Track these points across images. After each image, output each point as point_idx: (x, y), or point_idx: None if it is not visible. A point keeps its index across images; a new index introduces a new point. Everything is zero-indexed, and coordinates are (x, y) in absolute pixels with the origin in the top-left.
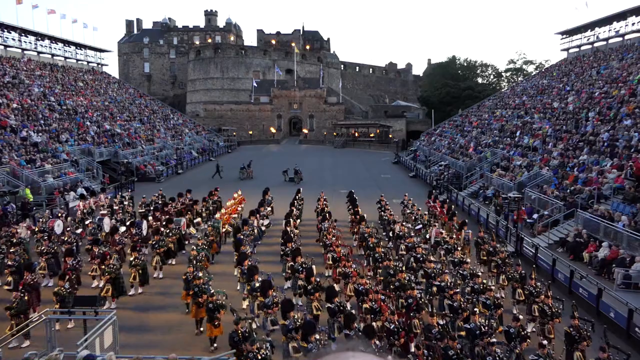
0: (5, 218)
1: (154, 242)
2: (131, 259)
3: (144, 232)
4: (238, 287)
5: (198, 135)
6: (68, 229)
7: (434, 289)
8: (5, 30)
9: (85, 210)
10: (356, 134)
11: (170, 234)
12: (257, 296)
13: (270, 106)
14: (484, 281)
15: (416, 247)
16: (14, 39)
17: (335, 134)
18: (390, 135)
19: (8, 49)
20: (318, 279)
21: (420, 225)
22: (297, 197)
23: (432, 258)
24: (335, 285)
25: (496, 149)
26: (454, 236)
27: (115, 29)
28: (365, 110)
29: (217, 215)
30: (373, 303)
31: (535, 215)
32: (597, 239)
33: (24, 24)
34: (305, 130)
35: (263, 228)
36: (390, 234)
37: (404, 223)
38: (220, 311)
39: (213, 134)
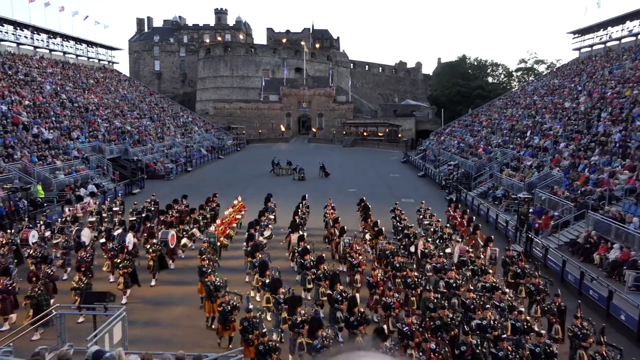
0: (17, 214)
1: (118, 262)
2: (76, 279)
3: (130, 246)
4: (269, 318)
5: (207, 133)
6: (34, 241)
7: (473, 325)
8: (18, 28)
9: (68, 219)
10: (365, 133)
11: (151, 251)
12: (300, 333)
13: (280, 105)
14: (527, 318)
15: (447, 270)
16: (26, 37)
17: (344, 132)
18: (399, 135)
19: (20, 46)
20: (362, 309)
21: (440, 240)
22: (301, 204)
23: (471, 287)
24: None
25: (506, 149)
26: (481, 255)
27: (126, 27)
28: (374, 109)
29: (212, 228)
30: (421, 354)
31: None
32: (608, 240)
33: (36, 21)
34: (314, 129)
35: (264, 241)
36: (412, 249)
37: (428, 239)
38: (273, 355)
39: (222, 132)
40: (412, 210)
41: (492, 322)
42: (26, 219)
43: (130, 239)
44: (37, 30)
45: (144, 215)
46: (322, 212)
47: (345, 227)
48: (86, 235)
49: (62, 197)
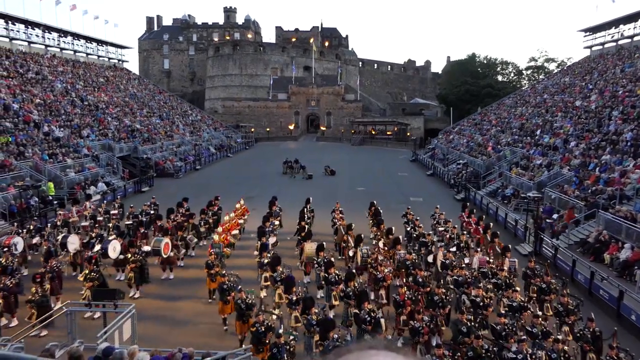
0: (28, 212)
1: (86, 274)
2: (33, 290)
3: (112, 255)
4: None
5: (216, 132)
6: (6, 249)
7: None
8: (29, 27)
9: (58, 223)
10: (373, 132)
11: (130, 261)
12: None
13: (288, 103)
14: (565, 348)
15: (472, 286)
16: (37, 36)
17: (352, 131)
18: (408, 133)
19: (32, 45)
20: (389, 336)
21: (455, 248)
22: (306, 208)
23: (502, 310)
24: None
25: (516, 147)
26: (505, 268)
27: (136, 26)
28: (383, 107)
29: (216, 238)
30: None
31: (555, 216)
32: (618, 240)
33: (47, 20)
34: (322, 127)
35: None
36: (429, 259)
37: (450, 248)
38: None
39: (231, 131)
40: (421, 210)
41: (529, 357)
42: (15, 224)
43: (115, 246)
44: (48, 29)
45: (142, 219)
46: (328, 216)
47: (362, 236)
48: (73, 242)
49: (72, 195)
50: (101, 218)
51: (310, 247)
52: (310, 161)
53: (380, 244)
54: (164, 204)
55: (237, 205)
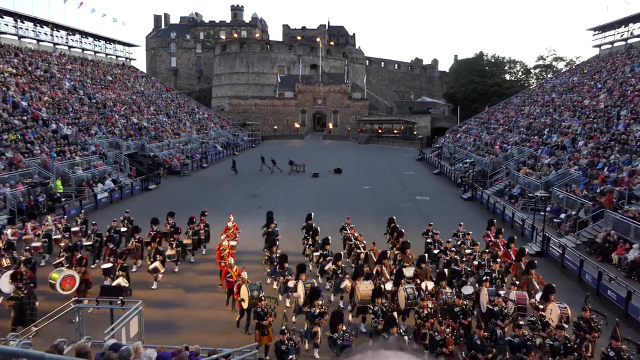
0: (36, 209)
1: None
2: None
3: (6, 290)
4: None
5: (223, 130)
6: None
7: None
8: (38, 25)
9: (0, 245)
10: (380, 130)
11: (9, 298)
12: None
13: (295, 101)
14: None
15: (529, 349)
16: (46, 34)
17: (359, 129)
18: (414, 132)
19: (40, 43)
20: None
21: (488, 278)
22: (308, 224)
23: None
24: None
25: (523, 147)
26: (564, 326)
27: (144, 24)
28: (389, 106)
29: (245, 275)
30: None
31: (562, 215)
32: (627, 240)
33: (55, 18)
34: (329, 126)
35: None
36: (464, 291)
37: (500, 293)
38: None
39: (237, 129)
40: (428, 209)
41: None
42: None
43: (8, 279)
44: (56, 27)
45: (76, 242)
46: (332, 225)
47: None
48: None
49: (80, 193)
50: (59, 236)
51: (365, 288)
52: (316, 160)
53: (407, 273)
54: (169, 203)
55: (229, 224)
